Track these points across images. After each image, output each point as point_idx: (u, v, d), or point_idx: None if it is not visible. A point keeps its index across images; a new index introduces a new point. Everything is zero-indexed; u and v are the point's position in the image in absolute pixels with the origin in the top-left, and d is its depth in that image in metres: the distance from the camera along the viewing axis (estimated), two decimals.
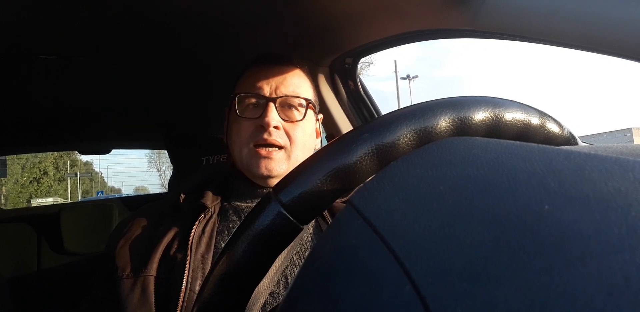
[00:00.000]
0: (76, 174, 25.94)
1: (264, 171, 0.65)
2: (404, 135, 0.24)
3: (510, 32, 0.60)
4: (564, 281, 0.11)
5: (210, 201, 0.67)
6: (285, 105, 0.69)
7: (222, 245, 0.63)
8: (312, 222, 0.69)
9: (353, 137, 0.25)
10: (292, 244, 0.37)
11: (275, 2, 0.83)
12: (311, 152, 0.72)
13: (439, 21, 0.76)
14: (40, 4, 0.78)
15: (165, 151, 1.40)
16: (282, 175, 0.66)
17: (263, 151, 0.66)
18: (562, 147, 0.19)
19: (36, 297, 1.66)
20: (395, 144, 0.24)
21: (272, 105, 0.66)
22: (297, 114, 0.69)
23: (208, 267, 0.60)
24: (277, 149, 0.67)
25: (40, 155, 20.88)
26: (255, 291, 0.43)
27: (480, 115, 0.25)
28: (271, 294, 0.60)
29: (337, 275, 0.16)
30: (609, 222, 0.13)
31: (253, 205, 0.59)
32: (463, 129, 0.25)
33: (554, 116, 0.28)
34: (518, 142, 0.19)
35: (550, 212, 0.14)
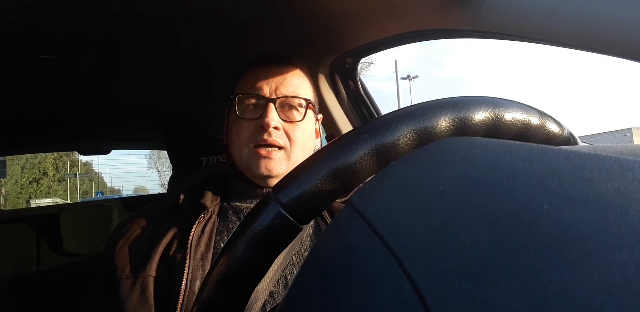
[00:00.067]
0: (76, 175, 25.93)
1: (263, 171, 0.65)
2: (404, 136, 0.24)
3: (510, 32, 0.60)
4: (564, 281, 0.11)
5: (210, 201, 0.67)
6: (285, 105, 0.69)
7: (222, 245, 0.63)
8: (312, 222, 0.69)
9: (353, 137, 0.25)
10: (291, 244, 0.37)
11: (275, 2, 0.83)
12: (311, 152, 0.72)
13: (439, 21, 0.76)
14: (40, 4, 0.78)
15: (165, 151, 1.40)
16: (282, 175, 0.66)
17: (263, 151, 0.66)
18: (562, 147, 0.19)
19: (36, 297, 1.66)
20: (395, 144, 0.24)
21: (271, 105, 0.66)
22: (297, 115, 0.69)
23: (207, 267, 0.60)
24: (277, 149, 0.67)
25: (40, 155, 20.88)
26: (254, 291, 0.43)
27: (480, 116, 0.25)
28: (270, 294, 0.60)
29: (337, 275, 0.16)
30: (608, 221, 0.13)
31: (253, 205, 0.58)
32: (463, 129, 0.25)
33: (553, 116, 0.28)
34: (518, 142, 0.19)
35: (549, 212, 0.14)
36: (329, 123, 1.17)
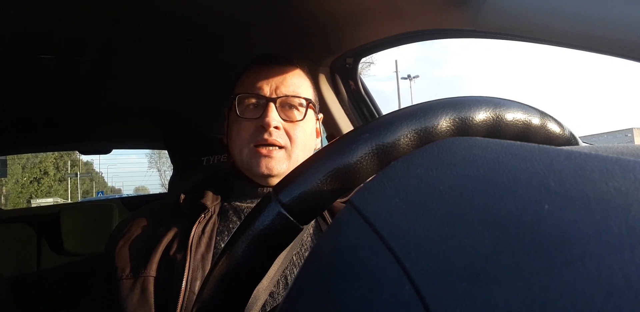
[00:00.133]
0: (76, 174, 25.96)
1: (264, 170, 0.65)
2: (405, 136, 0.24)
3: (510, 32, 0.60)
4: (564, 281, 0.11)
5: (210, 201, 0.67)
6: (286, 105, 0.69)
7: (222, 245, 0.63)
8: (312, 222, 0.69)
9: (353, 137, 0.25)
10: (292, 244, 0.37)
11: (275, 2, 0.83)
12: (311, 152, 0.72)
13: (439, 21, 0.76)
14: (40, 4, 0.78)
15: (166, 151, 1.40)
16: (282, 174, 0.66)
17: (263, 150, 0.66)
18: (563, 147, 0.19)
19: (36, 297, 1.66)
20: (395, 144, 0.24)
21: (272, 105, 0.66)
22: (297, 114, 0.69)
23: (208, 267, 0.60)
24: (277, 148, 0.67)
25: (41, 155, 20.90)
26: (254, 292, 0.43)
27: (481, 116, 0.25)
28: (271, 294, 0.60)
29: (337, 275, 0.16)
30: (609, 222, 0.13)
31: (253, 205, 0.59)
32: (464, 129, 0.25)
33: (554, 116, 0.28)
34: (519, 142, 0.19)
35: (550, 212, 0.14)
36: (329, 123, 1.17)
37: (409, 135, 0.24)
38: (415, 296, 0.13)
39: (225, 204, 0.69)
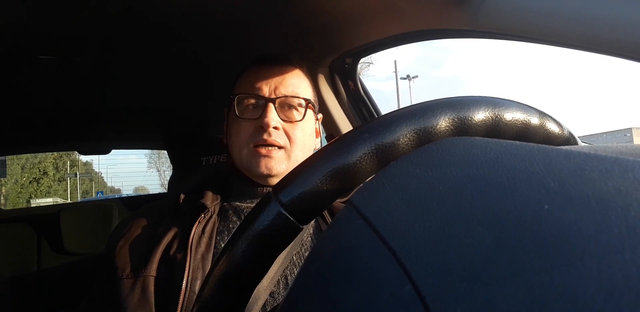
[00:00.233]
0: (76, 174, 25.94)
1: (264, 170, 0.65)
2: (404, 136, 0.24)
3: (510, 32, 0.60)
4: (564, 281, 0.11)
5: (210, 201, 0.67)
6: (285, 105, 0.69)
7: (222, 245, 0.63)
8: (312, 222, 0.69)
9: (353, 137, 0.25)
10: (292, 244, 0.37)
11: (275, 2, 0.83)
12: (311, 152, 0.72)
13: (439, 21, 0.76)
14: (40, 4, 0.78)
15: (165, 151, 1.40)
16: (282, 174, 0.66)
17: (263, 150, 0.66)
18: (562, 147, 0.19)
19: (36, 297, 1.66)
20: (395, 144, 0.24)
21: (271, 105, 0.66)
22: (296, 114, 0.69)
23: (208, 267, 0.60)
24: (277, 148, 0.67)
25: (40, 155, 20.89)
26: (255, 291, 0.43)
27: (480, 115, 0.25)
28: (271, 294, 0.60)
29: (337, 275, 0.16)
30: (609, 222, 0.13)
31: (253, 205, 0.59)
32: (463, 129, 0.25)
33: (553, 116, 0.28)
34: (518, 142, 0.19)
35: (550, 212, 0.14)
36: (328, 123, 1.17)
37: (408, 135, 0.24)
38: (415, 296, 0.13)
39: (225, 204, 0.69)
